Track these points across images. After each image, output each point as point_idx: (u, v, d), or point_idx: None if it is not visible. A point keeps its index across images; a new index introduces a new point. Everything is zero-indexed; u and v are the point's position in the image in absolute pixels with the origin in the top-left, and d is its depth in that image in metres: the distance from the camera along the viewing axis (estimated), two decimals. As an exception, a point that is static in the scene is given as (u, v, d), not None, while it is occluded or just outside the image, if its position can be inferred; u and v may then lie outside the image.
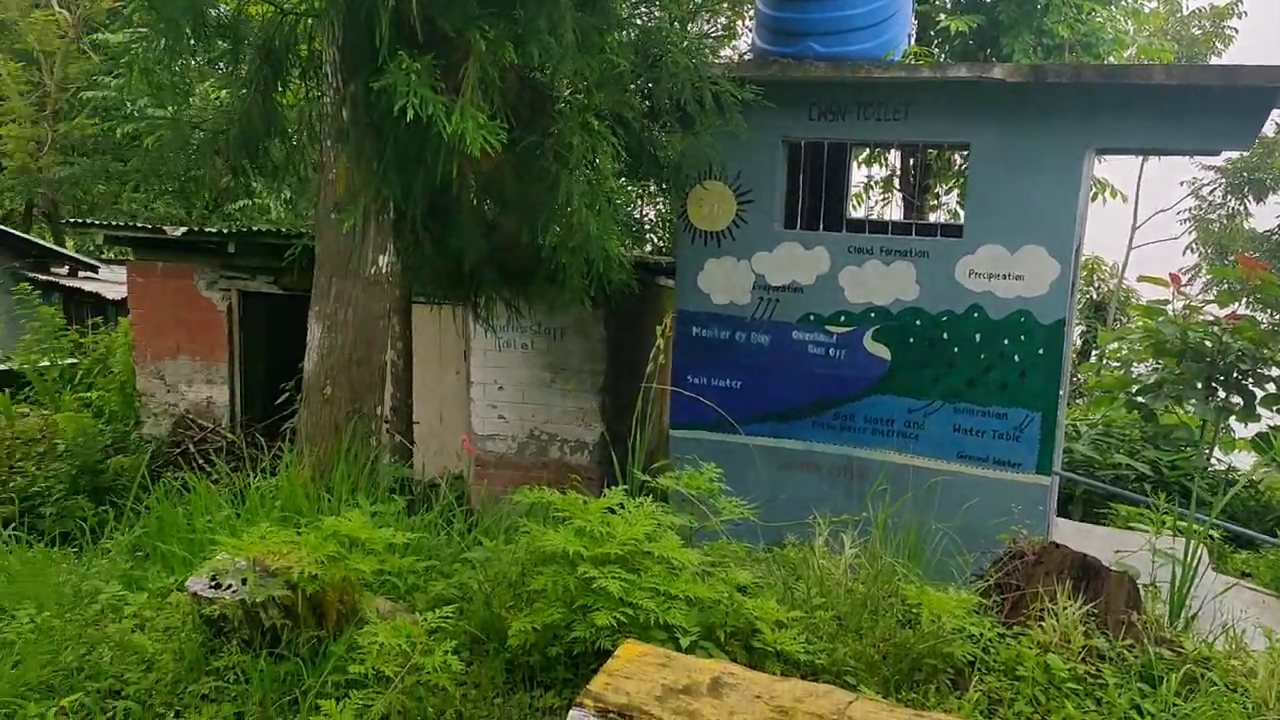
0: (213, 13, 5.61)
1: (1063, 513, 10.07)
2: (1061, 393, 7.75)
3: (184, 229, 10.38)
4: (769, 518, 4.84)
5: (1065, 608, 3.88)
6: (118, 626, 4.04)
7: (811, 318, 8.07)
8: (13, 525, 5.79)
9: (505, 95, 5.70)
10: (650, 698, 2.74)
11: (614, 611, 3.42)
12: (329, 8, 5.06)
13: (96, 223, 11.94)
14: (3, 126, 25.07)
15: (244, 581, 3.74)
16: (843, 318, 7.97)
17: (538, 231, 6.38)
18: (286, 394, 9.08)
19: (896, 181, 14.31)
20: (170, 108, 6.28)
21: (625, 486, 4.42)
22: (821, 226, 8.46)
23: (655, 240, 16.21)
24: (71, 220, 13.91)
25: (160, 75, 5.47)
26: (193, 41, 5.45)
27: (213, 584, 3.77)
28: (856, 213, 13.74)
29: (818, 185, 8.86)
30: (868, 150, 13.12)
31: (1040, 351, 7.46)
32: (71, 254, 17.47)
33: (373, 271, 5.84)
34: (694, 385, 8.24)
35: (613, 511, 3.94)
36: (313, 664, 3.61)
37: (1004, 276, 7.51)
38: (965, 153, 9.73)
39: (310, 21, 5.82)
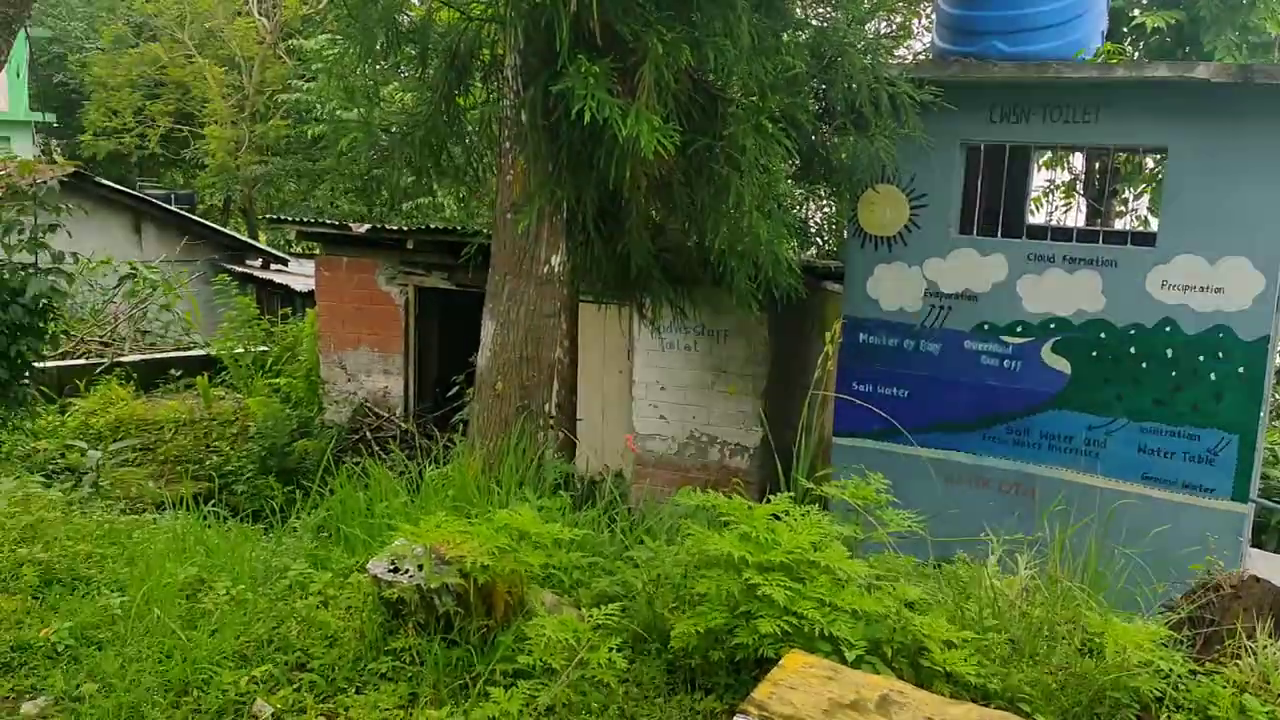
0: (403, 20, 5.86)
1: (1256, 543, 9.38)
2: (1263, 414, 7.22)
3: (368, 226, 10.89)
4: (935, 532, 4.69)
5: (1265, 646, 3.60)
6: (304, 603, 4.27)
7: (985, 327, 7.79)
8: (211, 501, 6.18)
9: (678, 98, 5.73)
10: (816, 710, 2.70)
11: (778, 620, 3.38)
12: (512, 13, 5.22)
13: (289, 219, 12.69)
14: (206, 127, 26.99)
15: (420, 568, 3.89)
16: (1020, 328, 7.65)
17: (705, 234, 6.39)
18: (457, 387, 9.42)
19: (1080, 186, 13.64)
20: (360, 111, 6.59)
21: (790, 494, 4.37)
22: (999, 232, 8.15)
23: (820, 244, 16.00)
24: (267, 216, 14.81)
25: (354, 79, 5.75)
26: (385, 47, 5.71)
27: (392, 568, 3.94)
28: (1035, 218, 13.17)
29: (996, 189, 8.54)
30: (1049, 153, 12.56)
31: (1240, 370, 6.96)
32: (264, 248, 18.61)
33: (545, 271, 5.98)
34: (859, 393, 8.09)
35: (778, 518, 3.91)
36: (481, 652, 3.72)
37: (1201, 289, 7.04)
38: (1159, 156, 9.18)
39: (493, 27, 6.00)
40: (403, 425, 10.81)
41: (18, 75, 23.52)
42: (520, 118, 5.71)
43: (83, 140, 27.74)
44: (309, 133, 24.12)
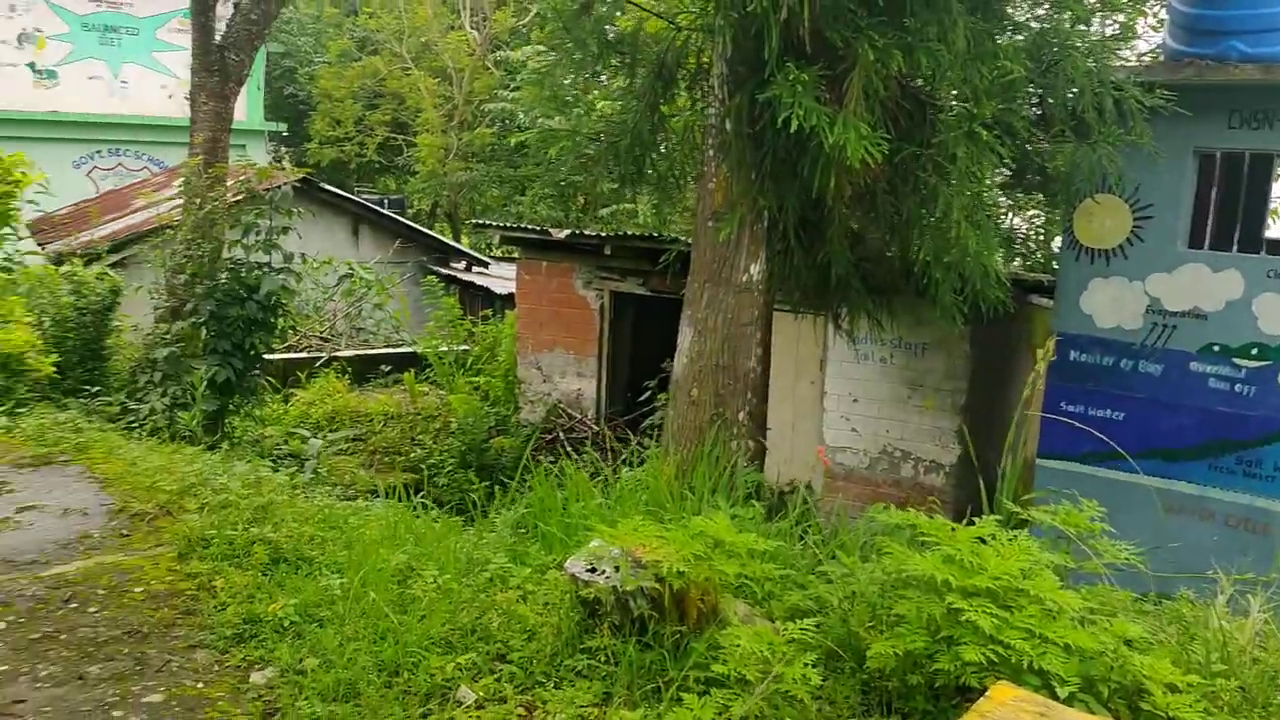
0: (610, 31, 5.99)
1: None
2: None
3: (567, 231, 11.20)
4: (1152, 566, 4.38)
5: None
6: (505, 596, 4.42)
7: (1215, 348, 7.23)
8: (420, 493, 6.50)
9: (884, 105, 5.61)
10: (1029, 748, 2.57)
11: (983, 648, 3.24)
12: (721, 22, 5.24)
13: (494, 223, 13.21)
14: (418, 136, 28.50)
15: (617, 569, 3.96)
16: (1255, 350, 7.06)
17: (909, 245, 6.22)
18: (649, 392, 9.54)
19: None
20: (568, 119, 6.79)
21: (996, 516, 4.19)
22: (1235, 246, 7.54)
23: (1026, 255, 15.30)
24: (472, 221, 15.47)
25: (563, 89, 5.92)
26: (595, 57, 5.86)
27: (589, 568, 4.02)
28: (1275, 231, 12.13)
29: (1232, 200, 7.91)
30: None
31: None
32: (468, 251, 19.44)
33: (744, 279, 5.98)
34: (1069, 413, 7.67)
35: (983, 541, 3.75)
36: (675, 657, 3.74)
37: None
38: None
39: (700, 36, 6.05)
40: (594, 427, 11.04)
41: (257, 88, 25.57)
42: (725, 126, 5.73)
43: (308, 148, 29.81)
44: (512, 141, 25.09)
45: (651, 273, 10.47)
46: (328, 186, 18.14)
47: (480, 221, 15.08)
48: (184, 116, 24.54)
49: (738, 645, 3.49)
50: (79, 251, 13.59)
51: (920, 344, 9.17)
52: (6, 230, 9.51)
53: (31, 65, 23.93)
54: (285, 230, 8.89)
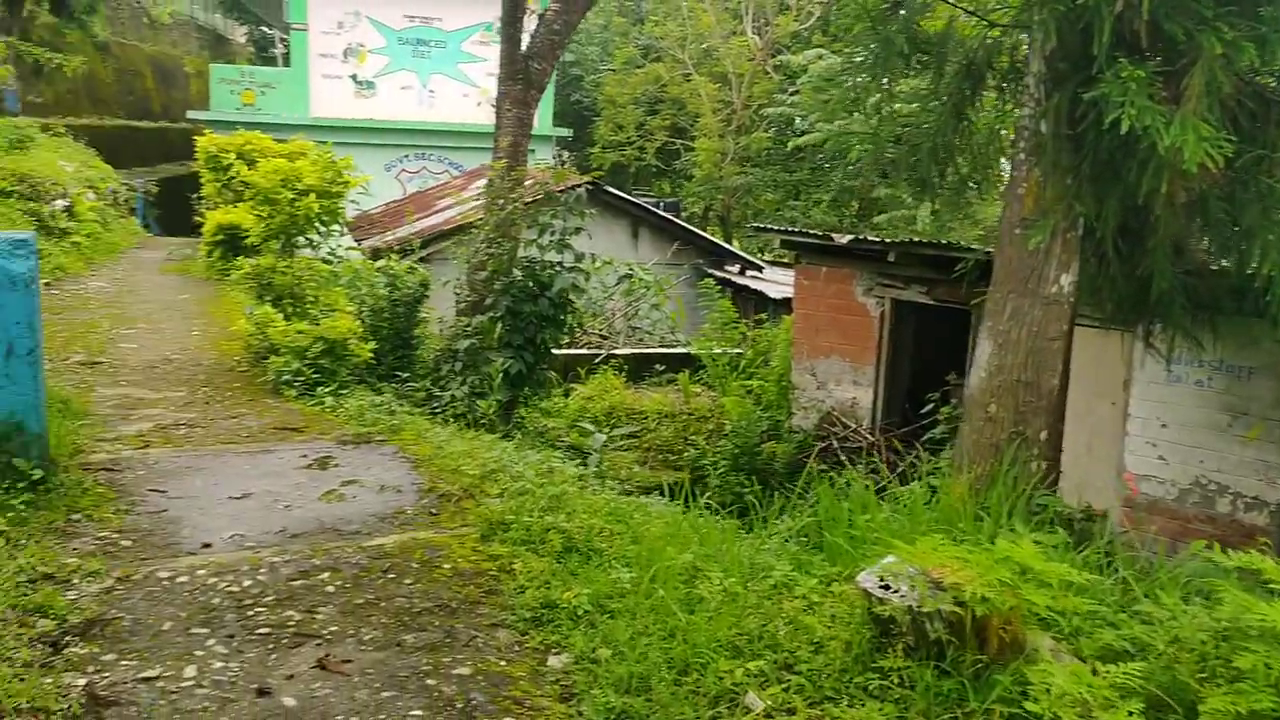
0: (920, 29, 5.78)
1: None
2: None
3: (850, 236, 10.99)
4: None
5: None
6: (791, 604, 4.36)
7: None
8: (705, 495, 6.56)
9: (1224, 104, 5.07)
10: None
11: (1353, 720, 2.85)
12: (1045, 18, 4.92)
13: (775, 228, 13.19)
14: (696, 140, 29.04)
15: (912, 588, 3.80)
16: None
17: (1247, 257, 5.60)
18: (932, 404, 9.18)
19: None
20: (865, 121, 6.61)
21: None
22: None
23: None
24: (754, 225, 15.53)
25: (867, 90, 5.78)
26: (902, 56, 5.67)
27: (882, 585, 3.88)
28: None
29: None
30: None
31: None
32: (742, 254, 19.55)
33: (1053, 291, 5.60)
34: None
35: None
36: (975, 688, 3.55)
37: None
38: None
39: (1015, 34, 5.73)
40: (869, 437, 10.77)
41: (548, 95, 27.03)
42: (1040, 127, 5.38)
43: (591, 152, 31.10)
44: (790, 145, 25.04)
45: (937, 281, 10.08)
46: (611, 190, 18.80)
47: (760, 225, 15.11)
48: (482, 123, 26.33)
49: (1051, 684, 3.26)
50: (394, 247, 14.85)
51: (1246, 367, 8.25)
52: (335, 227, 10.51)
53: (354, 77, 26.43)
54: (577, 231, 9.27)
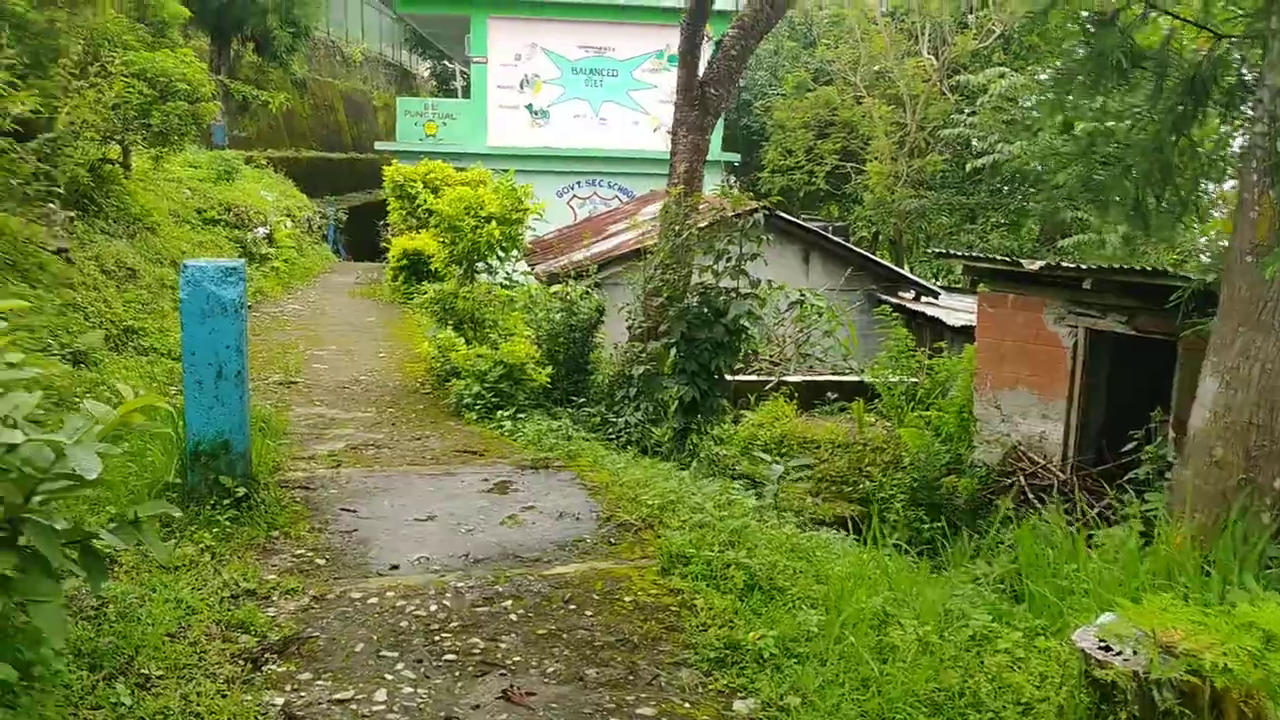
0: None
1: None
2: None
3: (1040, 263, 10.42)
4: None
5: None
6: (993, 659, 4.06)
7: None
8: (896, 536, 6.27)
9: None
10: None
11: None
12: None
13: (956, 253, 12.68)
14: (868, 164, 28.44)
15: (1136, 652, 3.46)
16: None
17: None
18: (1135, 442, 8.55)
19: None
20: (1072, 140, 6.21)
21: None
22: None
23: None
24: (934, 250, 15.01)
25: (1076, 108, 5.42)
26: (1119, 71, 5.29)
27: (1101, 645, 3.55)
28: None
29: None
30: None
31: None
32: (918, 280, 18.93)
33: (1290, 324, 5.07)
34: None
35: None
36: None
37: None
38: None
39: (1246, 46, 5.25)
40: (1060, 475, 10.14)
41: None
42: (1276, 147, 4.90)
43: (760, 177, 30.93)
44: (966, 167, 24.19)
45: (1139, 309, 9.41)
46: (784, 215, 18.57)
47: (940, 250, 14.58)
48: (651, 149, 26.64)
49: (1313, 773, 2.88)
50: (569, 271, 15.10)
51: None
52: (514, 253, 10.72)
53: (529, 106, 27.23)
54: (754, 257, 9.12)
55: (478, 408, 8.35)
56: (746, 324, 9.20)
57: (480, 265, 10.53)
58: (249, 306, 13.80)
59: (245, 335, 5.42)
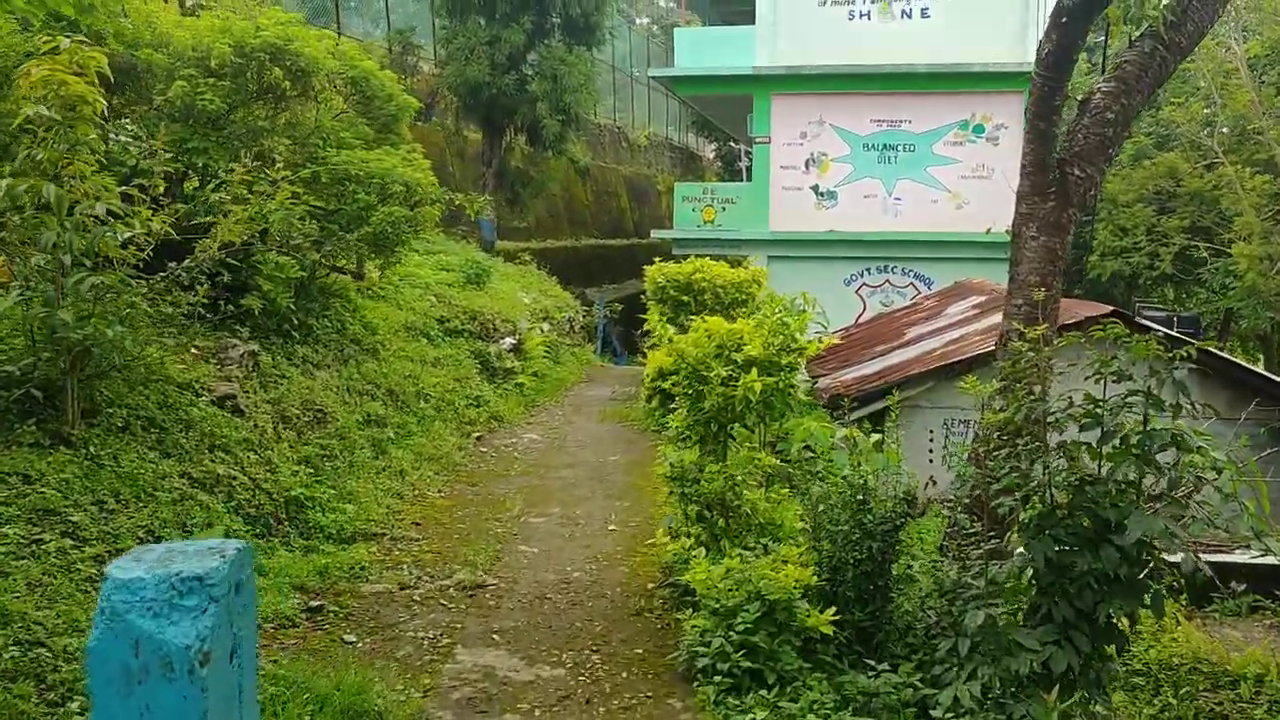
0: None
1: None
2: None
3: None
4: None
5: None
6: None
7: None
8: None
9: None
10: None
11: None
12: None
13: None
14: (1234, 245, 23.09)
15: None
16: None
17: None
18: None
19: None
20: None
21: None
22: None
23: None
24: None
25: None
26: None
27: None
28: None
29: None
30: None
31: None
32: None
33: None
34: None
35: None
36: None
37: None
38: None
39: None
40: None
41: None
42: None
43: (1089, 261, 26.25)
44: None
45: None
46: (1174, 334, 14.41)
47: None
48: (951, 231, 22.98)
49: None
50: (852, 393, 11.90)
51: None
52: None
53: (814, 187, 24.58)
54: (1174, 440, 5.64)
55: (718, 678, 5.37)
56: (1158, 544, 5.74)
57: (737, 427, 7.59)
58: (479, 437, 11.57)
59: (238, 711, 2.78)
